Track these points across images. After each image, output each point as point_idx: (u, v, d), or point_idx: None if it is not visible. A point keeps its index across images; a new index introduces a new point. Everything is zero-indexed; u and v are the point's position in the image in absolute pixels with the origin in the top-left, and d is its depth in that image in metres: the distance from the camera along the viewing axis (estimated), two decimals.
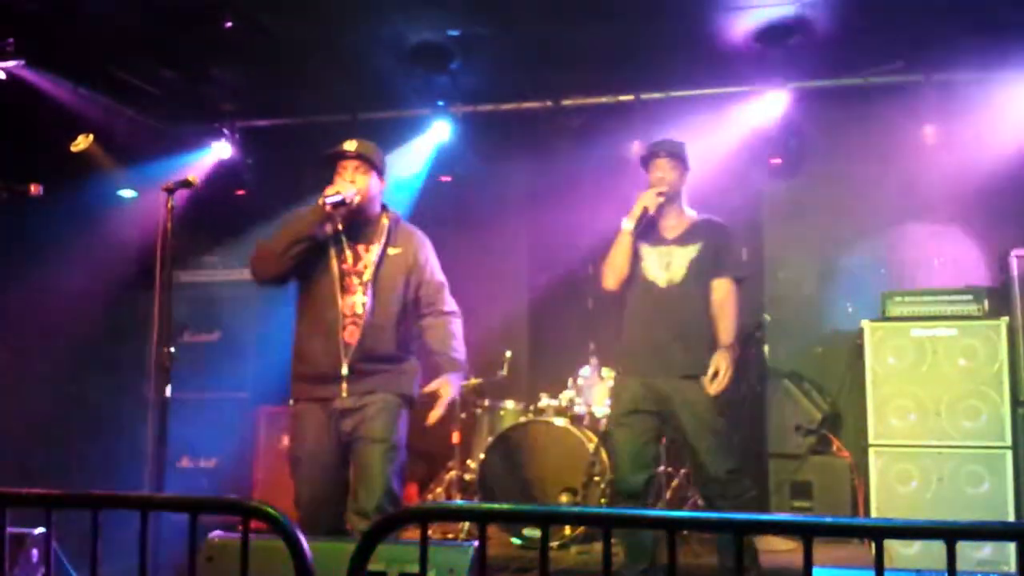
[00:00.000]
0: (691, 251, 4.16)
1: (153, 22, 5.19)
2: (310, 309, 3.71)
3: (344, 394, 3.59)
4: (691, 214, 4.28)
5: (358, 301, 3.62)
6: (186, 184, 3.75)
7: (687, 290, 4.12)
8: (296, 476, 3.71)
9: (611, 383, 5.03)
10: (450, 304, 3.90)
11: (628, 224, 4.11)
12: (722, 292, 4.18)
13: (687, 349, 4.07)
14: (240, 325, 6.08)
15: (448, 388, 3.73)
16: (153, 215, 3.81)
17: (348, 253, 3.68)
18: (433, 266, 3.87)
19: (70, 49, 5.34)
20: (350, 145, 3.69)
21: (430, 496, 5.83)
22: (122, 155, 6.11)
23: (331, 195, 3.54)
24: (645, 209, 4.10)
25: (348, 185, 3.62)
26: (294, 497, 3.71)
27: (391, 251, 3.70)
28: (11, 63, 5.11)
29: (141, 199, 6.44)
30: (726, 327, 4.17)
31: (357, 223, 3.71)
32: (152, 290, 3.76)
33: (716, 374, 4.03)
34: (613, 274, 4.18)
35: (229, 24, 5.13)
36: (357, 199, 3.62)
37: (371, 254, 3.68)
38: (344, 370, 3.59)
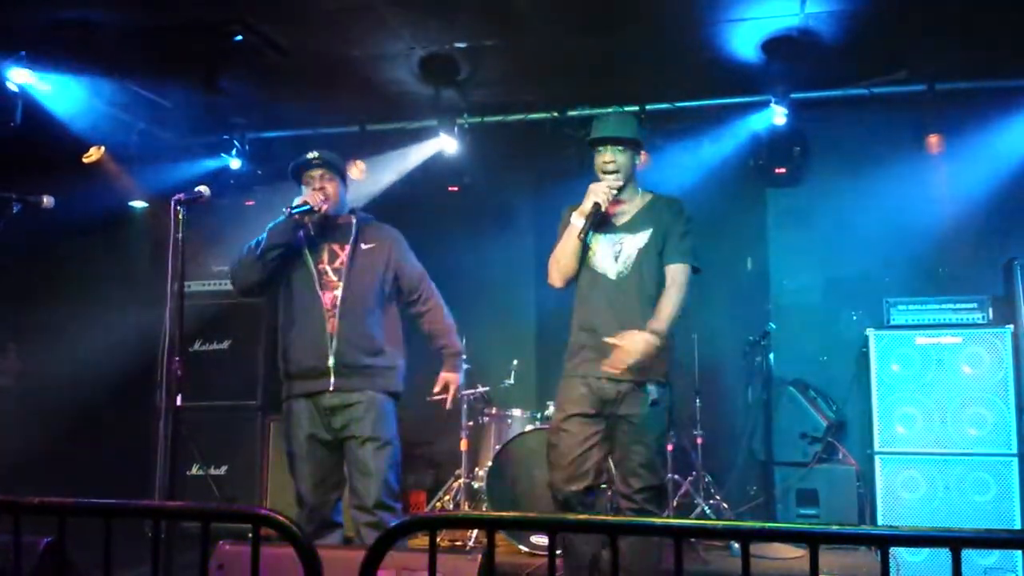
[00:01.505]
0: (641, 238, 3.73)
1: (165, 35, 5.25)
2: (293, 309, 3.90)
3: (331, 388, 3.76)
4: (643, 195, 3.85)
5: (337, 295, 3.83)
6: (197, 195, 3.80)
7: (637, 282, 3.69)
8: (295, 471, 3.86)
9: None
10: (435, 290, 4.16)
11: (579, 220, 3.68)
12: (671, 276, 3.68)
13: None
14: (249, 334, 6.11)
15: (455, 377, 4.12)
16: (164, 226, 3.86)
17: (325, 253, 3.90)
18: (411, 258, 4.09)
19: (82, 61, 5.40)
20: (313, 154, 3.90)
21: (438, 504, 5.85)
22: (133, 167, 6.17)
23: (297, 204, 3.78)
24: (596, 204, 3.66)
25: (315, 194, 3.84)
26: (295, 494, 3.80)
27: (364, 246, 3.92)
28: (24, 74, 5.17)
29: (152, 210, 6.50)
30: (661, 310, 3.59)
31: (329, 225, 3.93)
32: (163, 300, 3.81)
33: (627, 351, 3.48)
34: (559, 272, 3.79)
35: (239, 37, 5.19)
36: (325, 206, 3.83)
37: (346, 250, 3.90)
38: (331, 361, 3.76)
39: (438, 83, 5.87)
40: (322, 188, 3.86)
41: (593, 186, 3.71)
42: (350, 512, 3.78)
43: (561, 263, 3.78)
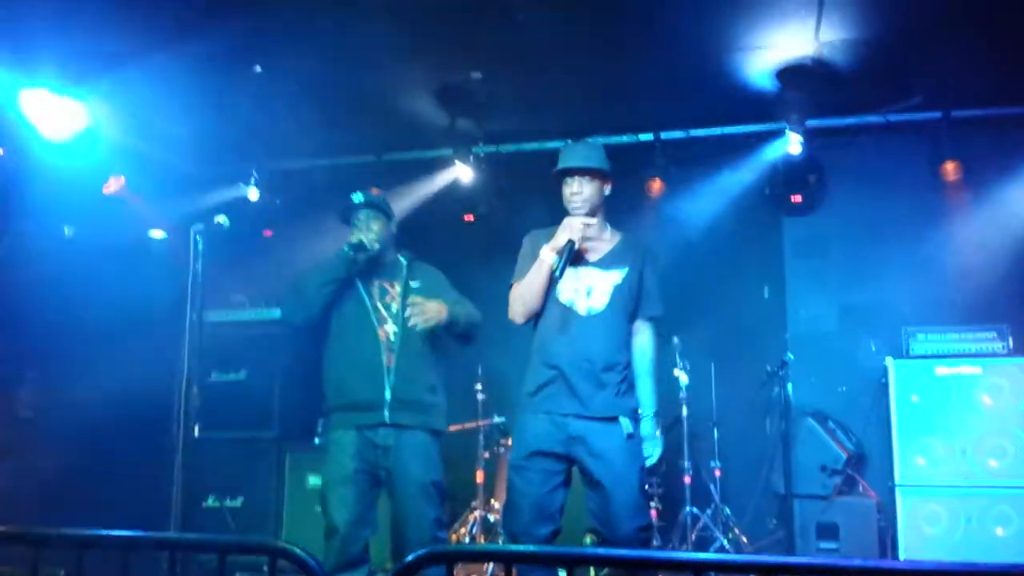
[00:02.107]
0: (615, 276, 3.57)
1: (183, 65, 5.31)
2: (346, 343, 3.95)
3: (387, 421, 3.82)
4: (612, 232, 3.72)
5: (390, 330, 3.92)
6: (215, 225, 3.84)
7: (611, 320, 3.52)
8: (333, 503, 3.81)
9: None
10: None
11: (551, 256, 3.50)
12: (644, 339, 3.62)
13: (606, 386, 3.47)
14: (266, 364, 6.11)
15: (436, 304, 3.86)
16: (182, 256, 3.88)
17: (376, 289, 4.00)
18: (453, 293, 4.14)
19: (102, 92, 5.45)
20: (360, 197, 4.03)
21: (454, 537, 5.80)
22: (152, 197, 6.22)
23: (355, 241, 3.90)
24: (571, 242, 3.48)
25: (368, 233, 3.95)
26: (328, 525, 3.78)
27: (413, 284, 4.04)
28: (44, 104, 5.22)
29: (170, 240, 6.54)
30: (648, 392, 3.59)
31: (379, 263, 4.04)
32: (181, 330, 3.82)
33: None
34: (524, 308, 3.62)
35: (257, 68, 5.24)
36: (377, 246, 3.95)
37: (396, 288, 4.02)
38: (387, 395, 3.83)
39: (454, 112, 5.91)
40: (370, 229, 3.97)
41: (568, 221, 3.55)
42: (411, 546, 3.72)
43: (527, 298, 3.60)
